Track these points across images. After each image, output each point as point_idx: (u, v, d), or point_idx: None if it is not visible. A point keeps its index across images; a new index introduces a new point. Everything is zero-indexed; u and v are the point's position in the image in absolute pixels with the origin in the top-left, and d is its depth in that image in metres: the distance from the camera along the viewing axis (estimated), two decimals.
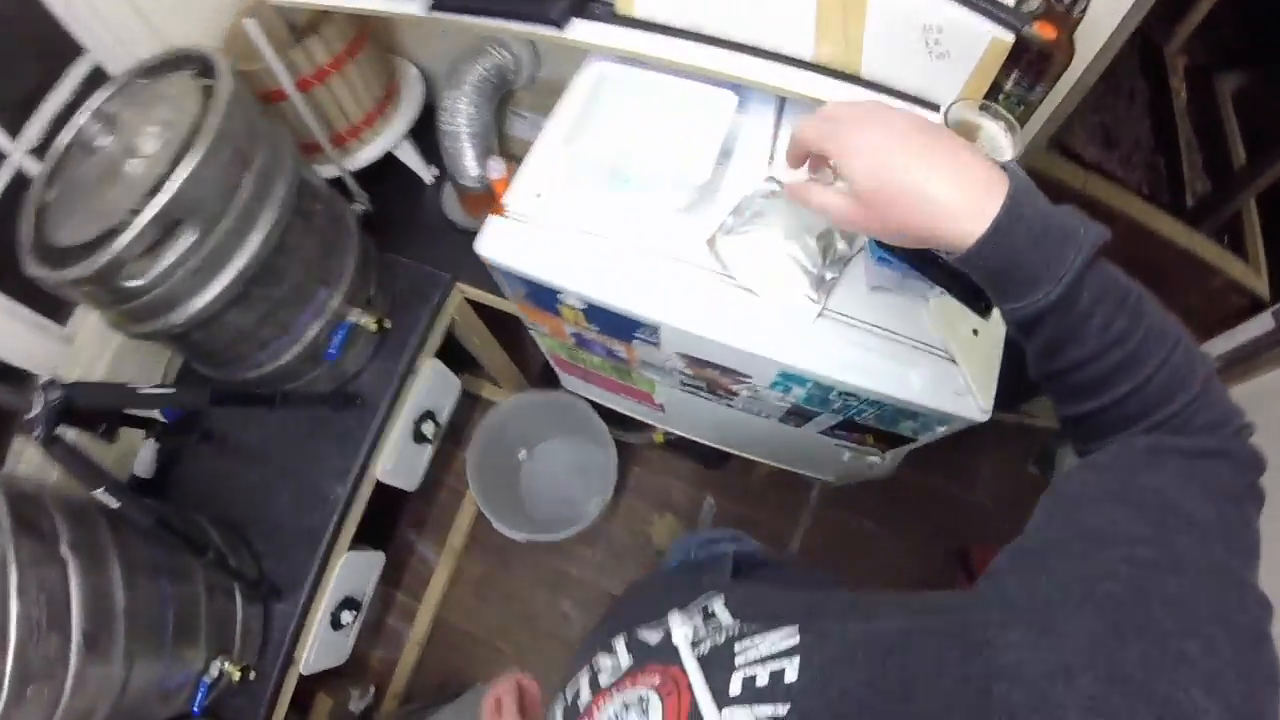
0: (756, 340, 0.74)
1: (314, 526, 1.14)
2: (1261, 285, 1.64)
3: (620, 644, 0.48)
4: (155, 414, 1.03)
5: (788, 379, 0.79)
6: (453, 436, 1.65)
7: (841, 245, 0.74)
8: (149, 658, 0.86)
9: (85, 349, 1.11)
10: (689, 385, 1.04)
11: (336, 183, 1.22)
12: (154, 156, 0.81)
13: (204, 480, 1.21)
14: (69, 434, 0.76)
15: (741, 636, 0.40)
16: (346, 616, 1.19)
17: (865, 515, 1.76)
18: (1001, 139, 0.64)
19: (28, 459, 1.03)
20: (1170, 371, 0.40)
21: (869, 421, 0.97)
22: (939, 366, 0.73)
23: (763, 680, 0.35)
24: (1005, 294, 0.41)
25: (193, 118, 0.81)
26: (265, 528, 1.15)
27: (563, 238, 0.79)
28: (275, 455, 1.19)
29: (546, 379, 1.43)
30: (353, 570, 1.19)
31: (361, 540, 1.22)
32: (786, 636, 0.37)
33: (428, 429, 1.30)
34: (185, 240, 0.83)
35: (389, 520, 1.80)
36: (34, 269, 0.81)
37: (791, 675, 0.34)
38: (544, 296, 0.84)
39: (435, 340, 1.27)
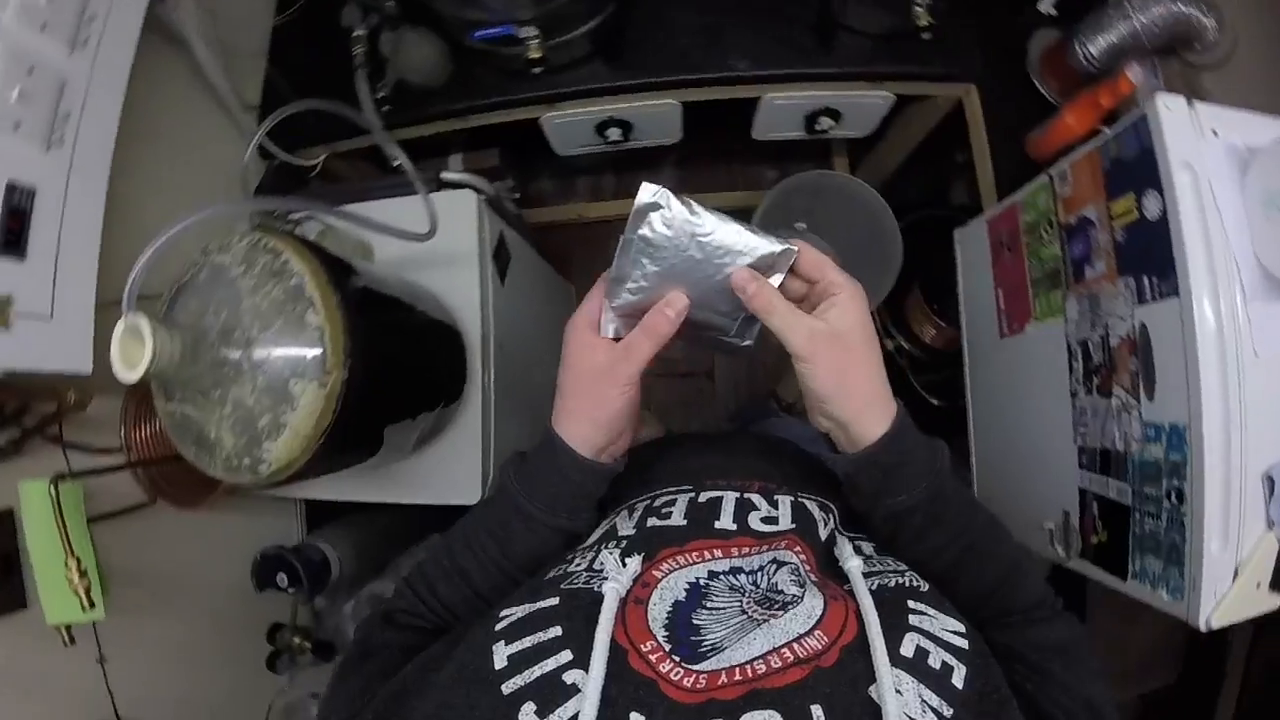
0: None
1: None
2: None
3: (730, 500, 0.46)
4: None
5: None
6: None
7: None
8: None
9: None
10: None
11: None
12: None
13: None
14: None
15: (914, 594, 0.37)
16: None
17: None
18: None
19: None
20: (1000, 555, 0.46)
21: None
22: None
23: (935, 662, 0.33)
24: (896, 486, 0.44)
25: None
26: None
27: None
28: None
29: None
30: None
31: None
32: (958, 634, 0.35)
33: None
34: None
35: None
36: None
37: (959, 681, 0.32)
38: None
39: None
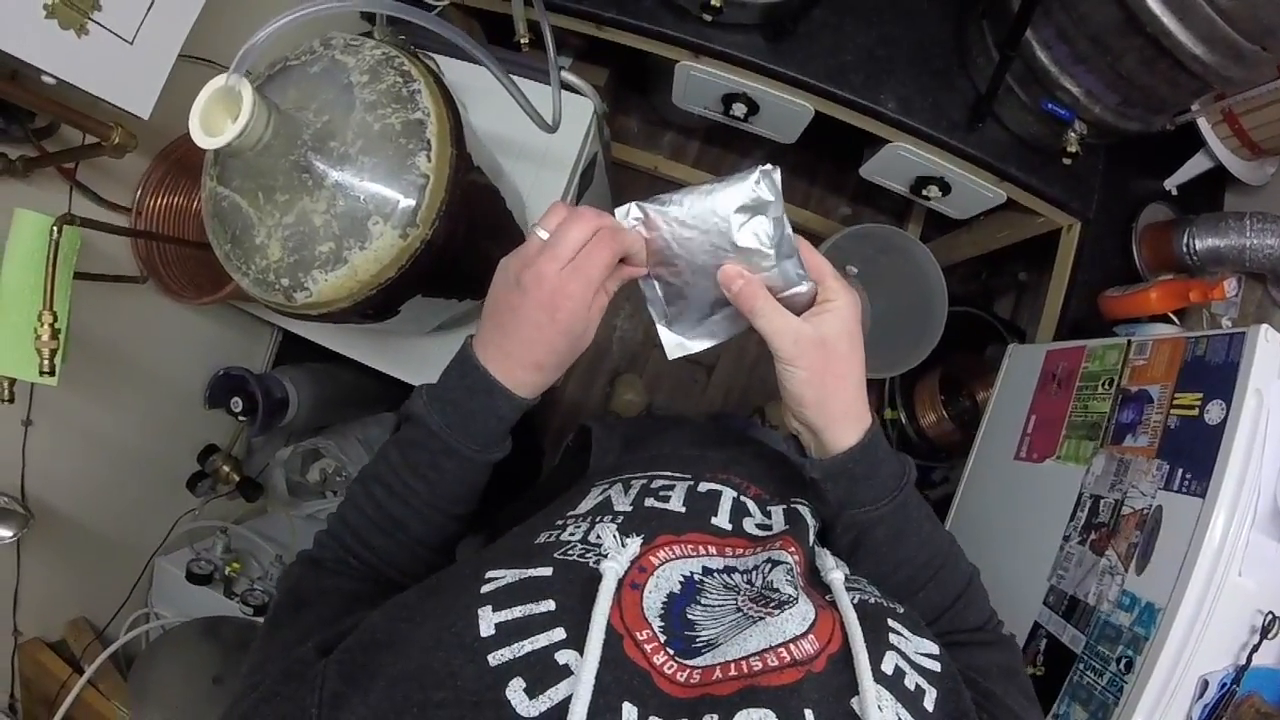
0: None
1: None
2: None
3: (728, 498, 0.45)
4: None
5: None
6: None
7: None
8: None
9: None
10: None
11: None
12: None
13: None
14: None
15: (892, 614, 0.38)
16: None
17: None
18: None
19: None
20: (956, 574, 0.48)
21: None
22: None
23: (910, 683, 0.33)
24: (862, 497, 0.45)
25: None
26: None
27: None
28: None
29: None
30: None
31: None
32: (931, 656, 0.36)
33: None
34: None
35: None
36: None
37: (929, 704, 0.33)
38: None
39: None
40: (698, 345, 0.51)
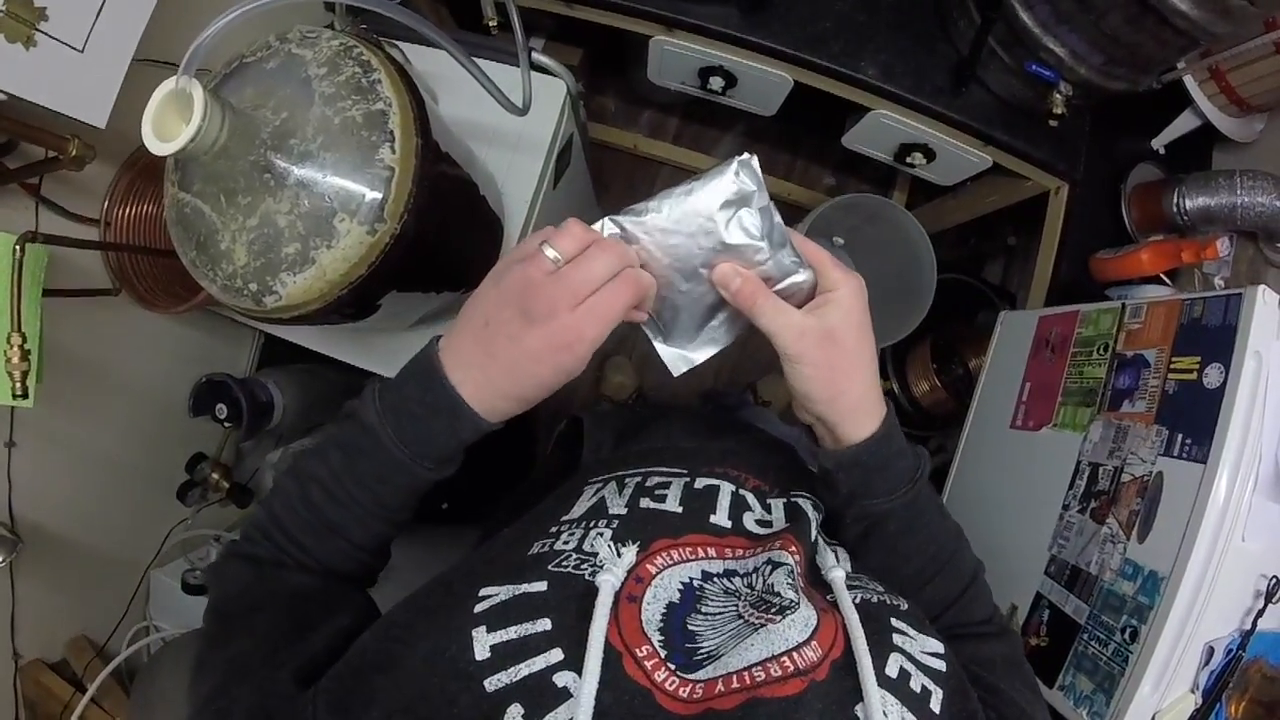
0: None
1: None
2: None
3: (727, 493, 0.44)
4: None
5: None
6: None
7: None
8: None
9: None
10: None
11: None
12: None
13: None
14: None
15: (895, 612, 0.36)
16: None
17: None
18: None
19: None
20: (963, 567, 0.48)
21: None
22: None
23: (916, 685, 0.32)
24: (875, 489, 0.44)
25: None
26: None
27: None
28: None
29: None
30: None
31: None
32: (936, 655, 0.35)
33: None
34: None
35: None
36: None
37: (936, 705, 0.32)
38: None
39: None
40: (701, 355, 0.49)
